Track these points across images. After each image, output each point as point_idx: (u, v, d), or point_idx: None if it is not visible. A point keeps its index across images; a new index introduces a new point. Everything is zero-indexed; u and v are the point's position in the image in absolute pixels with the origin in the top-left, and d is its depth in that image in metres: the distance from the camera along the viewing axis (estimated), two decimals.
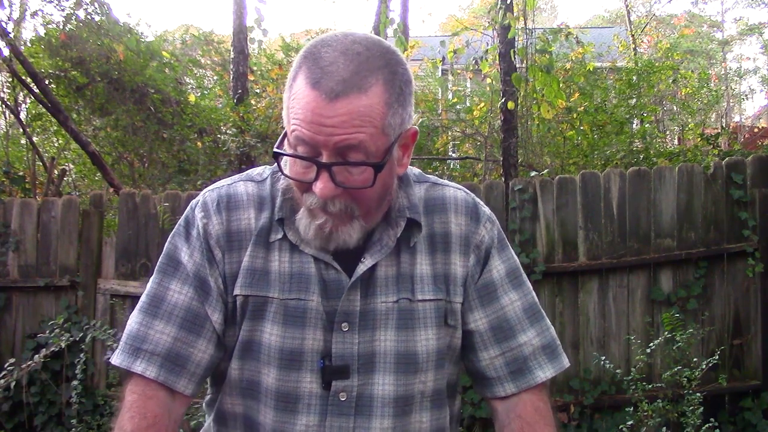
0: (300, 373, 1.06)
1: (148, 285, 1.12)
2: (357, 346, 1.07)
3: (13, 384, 3.79)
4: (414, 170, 1.20)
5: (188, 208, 1.14)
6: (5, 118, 7.96)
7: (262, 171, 1.17)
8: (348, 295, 1.06)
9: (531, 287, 1.21)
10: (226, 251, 1.09)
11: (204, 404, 1.21)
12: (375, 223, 1.08)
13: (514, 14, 5.01)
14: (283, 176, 1.08)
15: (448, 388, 1.16)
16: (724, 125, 13.22)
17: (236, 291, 1.08)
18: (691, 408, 3.40)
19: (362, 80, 0.95)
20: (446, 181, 1.21)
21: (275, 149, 1.02)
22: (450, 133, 10.38)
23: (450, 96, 11.52)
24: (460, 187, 1.20)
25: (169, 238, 1.13)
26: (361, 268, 1.06)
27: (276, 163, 1.05)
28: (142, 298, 1.12)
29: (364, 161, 0.97)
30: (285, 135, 1.01)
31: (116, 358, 1.09)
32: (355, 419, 1.07)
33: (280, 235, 1.08)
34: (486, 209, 1.20)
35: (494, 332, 1.15)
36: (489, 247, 1.16)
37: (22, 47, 7.23)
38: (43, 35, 7.58)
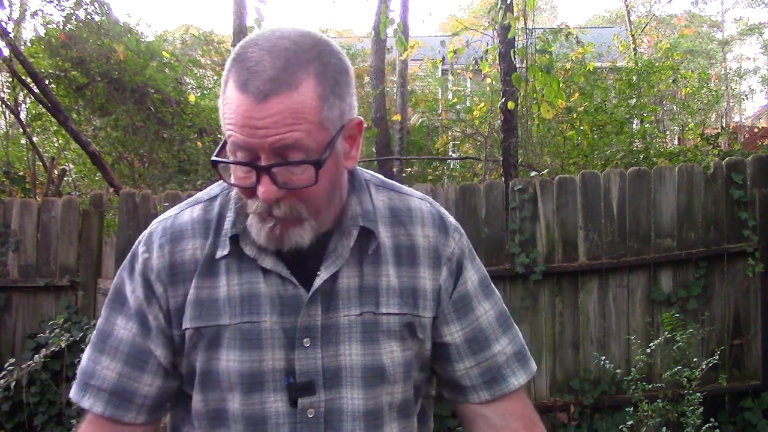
0: (263, 394, 1.04)
1: (99, 319, 1.12)
2: (321, 360, 1.04)
3: (13, 384, 3.79)
4: (375, 175, 1.17)
5: (137, 241, 1.12)
6: (5, 118, 7.97)
7: (210, 189, 1.14)
8: (308, 310, 1.04)
9: (498, 293, 1.20)
10: (169, 285, 1.06)
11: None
12: (328, 222, 1.04)
13: (514, 14, 5.01)
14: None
15: (415, 392, 1.15)
16: (724, 125, 13.23)
17: (185, 324, 1.05)
18: (691, 408, 3.40)
19: (291, 76, 0.92)
20: (409, 190, 1.18)
21: (213, 158, 0.98)
22: (450, 133, 10.40)
23: (450, 96, 11.54)
24: (424, 197, 1.18)
25: (118, 271, 1.12)
26: (317, 282, 1.03)
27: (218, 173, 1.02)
28: (94, 333, 1.13)
29: (303, 159, 0.93)
30: (225, 142, 0.97)
31: (71, 393, 1.11)
32: None
33: (226, 251, 1.05)
34: (452, 219, 1.17)
35: (469, 344, 1.14)
36: (461, 258, 1.14)
37: (22, 47, 7.24)
38: (43, 35, 7.59)
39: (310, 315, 1.04)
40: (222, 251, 1.05)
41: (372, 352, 1.06)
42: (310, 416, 1.04)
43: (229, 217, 1.06)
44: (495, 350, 1.15)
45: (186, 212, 1.11)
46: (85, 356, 1.11)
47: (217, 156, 0.98)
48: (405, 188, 1.18)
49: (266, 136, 0.91)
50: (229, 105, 0.94)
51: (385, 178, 1.18)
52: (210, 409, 1.07)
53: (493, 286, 1.19)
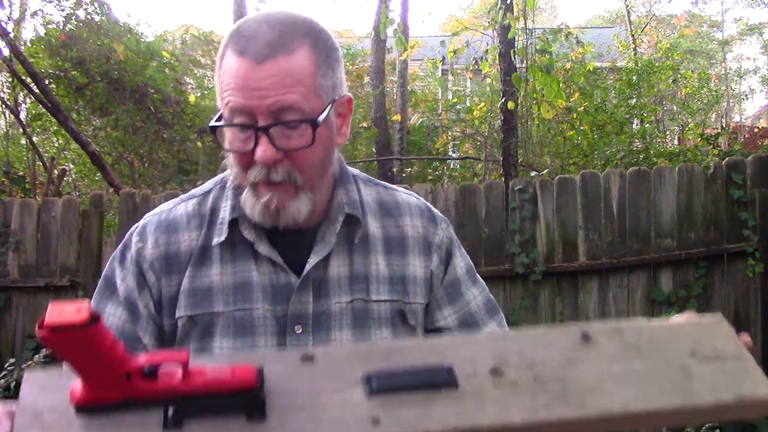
0: None
1: None
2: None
3: (13, 384, 3.80)
4: (361, 173, 1.20)
5: (129, 232, 1.13)
6: (5, 118, 7.97)
7: (204, 185, 1.17)
8: (299, 297, 1.05)
9: (484, 282, 1.24)
10: (163, 275, 1.08)
11: None
12: (321, 201, 1.07)
13: (514, 14, 5.01)
14: (226, 161, 1.07)
15: None
16: (724, 125, 13.23)
17: (179, 313, 1.06)
18: None
19: (288, 43, 0.96)
20: (396, 186, 1.22)
21: (211, 124, 1.01)
22: (450, 133, 10.41)
23: (450, 96, 11.54)
24: (411, 191, 1.22)
25: (108, 261, 1.13)
26: (308, 267, 1.06)
27: (216, 142, 1.04)
28: None
29: (301, 119, 0.97)
30: (221, 115, 1.00)
31: None
32: None
33: (223, 237, 1.07)
34: (438, 212, 1.22)
35: (462, 328, 1.17)
36: (450, 246, 1.18)
37: (22, 47, 7.24)
38: (43, 35, 7.60)
39: (302, 302, 1.05)
40: (219, 237, 1.07)
41: (362, 338, 1.08)
42: None
43: (225, 206, 1.09)
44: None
45: (180, 206, 1.13)
46: None
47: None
48: (390, 184, 1.22)
49: (264, 97, 0.94)
50: (228, 71, 0.97)
51: (369, 176, 1.22)
52: None
53: (478, 275, 1.23)
